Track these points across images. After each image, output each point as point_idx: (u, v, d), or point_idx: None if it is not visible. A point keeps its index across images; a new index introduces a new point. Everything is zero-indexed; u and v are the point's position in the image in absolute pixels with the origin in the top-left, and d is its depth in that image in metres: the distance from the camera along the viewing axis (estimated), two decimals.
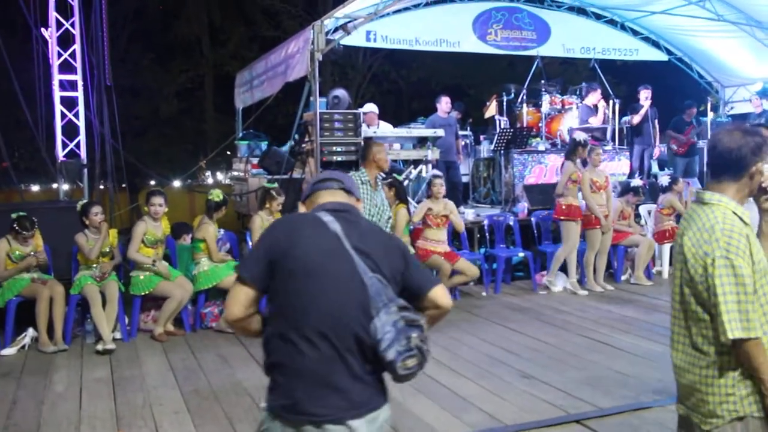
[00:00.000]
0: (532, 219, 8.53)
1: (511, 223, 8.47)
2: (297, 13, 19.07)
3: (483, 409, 4.43)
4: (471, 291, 7.99)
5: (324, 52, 7.65)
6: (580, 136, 7.78)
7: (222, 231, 7.06)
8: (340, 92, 8.58)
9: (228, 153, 16.75)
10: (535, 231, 8.47)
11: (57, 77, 7.99)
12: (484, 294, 7.84)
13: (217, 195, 6.78)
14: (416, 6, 9.86)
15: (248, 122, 10.73)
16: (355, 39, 9.29)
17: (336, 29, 8.45)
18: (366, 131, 8.14)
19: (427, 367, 2.15)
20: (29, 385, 5.11)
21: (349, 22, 8.04)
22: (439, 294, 2.20)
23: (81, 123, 8.03)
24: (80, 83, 8.07)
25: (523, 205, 8.93)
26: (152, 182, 16.11)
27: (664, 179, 8.59)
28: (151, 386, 5.01)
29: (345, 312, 2.03)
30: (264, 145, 10.41)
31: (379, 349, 1.99)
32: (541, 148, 10.09)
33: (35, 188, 16.78)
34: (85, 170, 7.98)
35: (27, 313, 5.98)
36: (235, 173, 11.11)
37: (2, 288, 6.03)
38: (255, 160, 9.63)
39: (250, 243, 7.06)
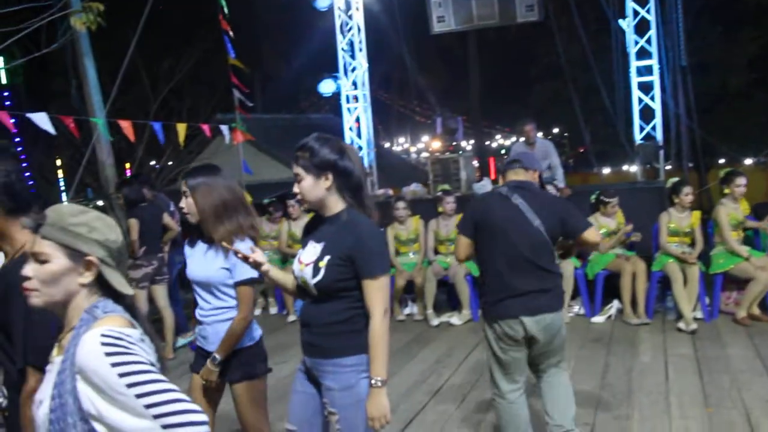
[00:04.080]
0: None
1: None
2: None
3: None
4: None
5: None
6: None
7: None
8: None
9: None
10: None
11: (634, 64, 8.36)
12: None
13: None
14: None
15: None
16: None
17: None
18: None
19: None
20: (618, 352, 5.58)
21: None
22: (591, 234, 3.32)
23: (657, 106, 8.24)
24: (656, 67, 8.27)
25: None
26: (721, 161, 15.46)
27: None
28: (737, 369, 4.92)
29: (522, 249, 3.26)
30: None
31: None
32: None
33: (606, 171, 17.91)
34: (661, 152, 8.16)
35: (613, 286, 6.54)
36: None
37: (590, 262, 6.72)
38: None
39: None
